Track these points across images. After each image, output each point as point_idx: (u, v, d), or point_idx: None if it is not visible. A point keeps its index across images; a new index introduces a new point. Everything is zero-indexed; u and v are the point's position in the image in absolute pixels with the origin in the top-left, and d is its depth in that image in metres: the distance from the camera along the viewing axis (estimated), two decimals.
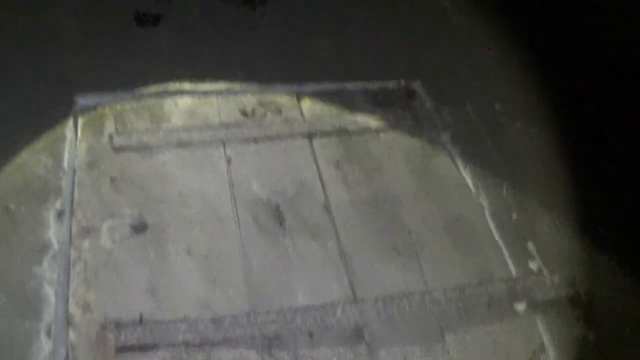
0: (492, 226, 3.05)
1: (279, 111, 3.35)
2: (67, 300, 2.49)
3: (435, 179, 3.20)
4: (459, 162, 3.30)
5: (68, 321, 2.44)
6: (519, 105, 3.60)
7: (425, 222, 3.00)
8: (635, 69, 3.63)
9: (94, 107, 3.21)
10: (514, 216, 3.07)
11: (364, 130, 3.34)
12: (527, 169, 3.29)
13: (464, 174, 3.24)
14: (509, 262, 2.93)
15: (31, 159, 2.92)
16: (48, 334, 2.37)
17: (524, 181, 3.22)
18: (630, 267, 2.92)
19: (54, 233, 2.66)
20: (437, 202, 3.10)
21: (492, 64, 3.84)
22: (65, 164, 2.93)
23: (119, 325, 2.41)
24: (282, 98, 3.41)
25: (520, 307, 2.75)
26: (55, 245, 2.63)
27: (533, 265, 2.90)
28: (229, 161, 3.07)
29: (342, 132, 3.30)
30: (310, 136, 3.25)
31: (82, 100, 3.21)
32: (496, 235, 3.02)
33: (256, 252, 2.75)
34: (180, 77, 3.37)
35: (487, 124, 3.48)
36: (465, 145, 3.36)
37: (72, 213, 2.77)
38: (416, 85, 3.63)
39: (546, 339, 2.67)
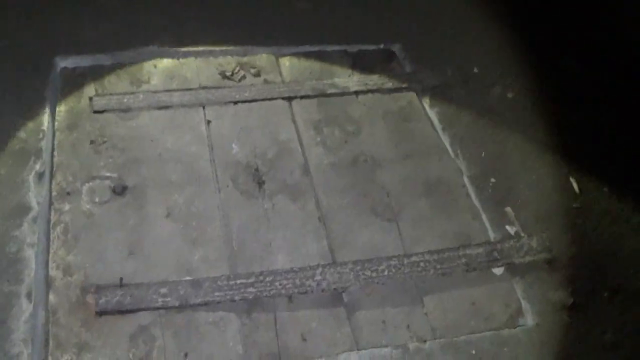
0: (471, 190, 3.08)
1: (258, 73, 3.35)
2: (47, 263, 2.50)
3: (414, 142, 3.22)
4: (438, 126, 3.32)
5: (48, 284, 2.44)
6: (497, 70, 3.59)
7: (404, 185, 3.03)
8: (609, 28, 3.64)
9: (74, 69, 3.19)
10: (492, 180, 3.09)
11: (343, 93, 3.35)
12: (505, 133, 3.30)
13: (442, 138, 3.27)
14: (487, 225, 2.96)
15: (11, 121, 2.89)
16: (28, 297, 2.36)
17: (502, 145, 3.23)
18: (608, 230, 2.94)
19: (34, 195, 2.65)
20: (416, 165, 3.12)
21: (472, 28, 3.82)
22: (45, 126, 2.91)
23: (99, 288, 2.42)
24: (261, 60, 3.41)
25: (499, 270, 2.78)
26: (36, 208, 2.61)
27: (511, 230, 2.92)
28: (208, 123, 3.07)
29: (321, 95, 3.30)
30: (289, 98, 3.26)
31: (62, 63, 3.20)
32: (474, 199, 3.04)
33: (236, 215, 2.77)
34: (160, 39, 3.35)
35: (466, 88, 3.48)
36: (444, 109, 3.37)
37: (52, 175, 2.77)
38: (396, 49, 3.64)
39: (524, 303, 2.71)
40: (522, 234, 2.88)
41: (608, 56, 3.41)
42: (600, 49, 3.46)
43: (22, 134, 2.85)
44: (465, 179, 3.11)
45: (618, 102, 3.18)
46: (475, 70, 3.57)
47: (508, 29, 3.80)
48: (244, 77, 3.30)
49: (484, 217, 2.99)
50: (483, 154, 3.18)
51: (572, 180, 3.02)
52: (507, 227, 2.93)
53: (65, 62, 3.21)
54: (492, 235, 2.92)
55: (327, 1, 3.81)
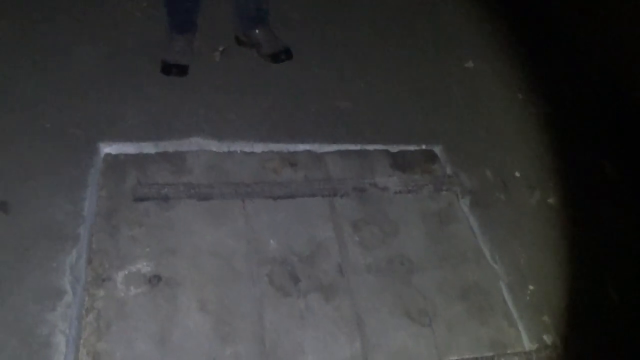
0: (508, 296, 3.03)
1: (299, 169, 3.36)
2: (77, 349, 2.48)
3: (452, 245, 3.20)
4: (477, 229, 3.29)
5: None
6: (538, 175, 3.60)
7: (440, 289, 2.99)
8: None
9: (117, 156, 3.22)
10: (530, 287, 3.05)
11: (383, 193, 3.34)
12: (545, 241, 3.27)
13: (481, 242, 3.24)
14: (523, 334, 2.91)
15: (52, 204, 2.92)
16: None
17: (541, 253, 3.21)
18: None
19: (68, 280, 2.65)
20: (453, 268, 3.09)
21: (514, 132, 3.85)
22: (85, 211, 2.92)
23: None
24: (303, 157, 3.43)
25: None
26: (70, 293, 2.60)
27: (548, 339, 2.88)
28: (247, 217, 3.07)
29: (361, 193, 3.30)
30: (329, 196, 3.26)
31: (105, 149, 3.23)
32: (511, 306, 3.00)
33: (269, 312, 2.74)
34: (203, 130, 3.39)
35: (507, 192, 3.48)
36: (483, 212, 3.35)
37: (88, 261, 2.77)
38: (437, 150, 3.64)
39: None
40: (559, 345, 2.82)
41: None
42: None
43: (61, 217, 2.86)
44: (503, 285, 3.07)
45: None
46: (517, 174, 3.56)
47: (549, 134, 3.83)
48: (284, 172, 3.31)
49: (520, 325, 2.93)
50: (522, 260, 3.15)
51: (611, 290, 2.99)
52: (544, 337, 2.88)
53: (108, 149, 3.25)
54: (527, 344, 2.86)
55: (368, 101, 3.86)
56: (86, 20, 4.07)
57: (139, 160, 3.24)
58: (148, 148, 3.29)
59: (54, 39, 3.83)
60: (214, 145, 3.36)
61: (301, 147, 3.46)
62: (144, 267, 2.78)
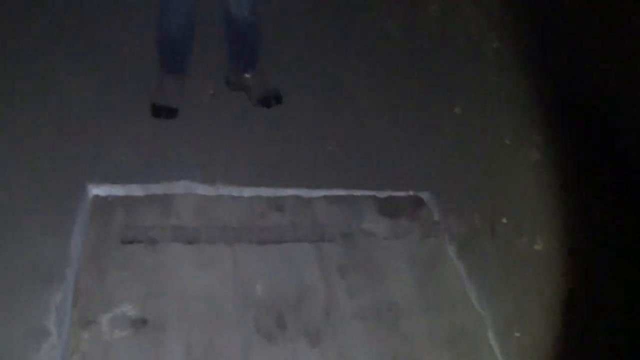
0: (494, 343, 3.02)
1: (286, 214, 3.37)
2: None
3: (439, 290, 3.18)
4: (464, 276, 3.29)
5: None
6: (526, 221, 3.61)
7: (427, 334, 2.97)
8: None
9: (105, 198, 3.24)
10: (517, 334, 3.04)
11: (370, 238, 3.35)
12: (532, 286, 3.28)
13: (468, 288, 3.23)
14: None
15: (38, 243, 2.92)
16: None
17: (528, 299, 3.21)
18: None
19: (54, 321, 2.63)
20: (440, 314, 3.07)
21: (501, 179, 3.86)
22: (72, 251, 2.92)
23: None
24: (291, 202, 3.44)
25: None
26: (55, 334, 2.59)
27: None
28: (234, 262, 3.07)
29: (348, 239, 3.30)
30: (316, 241, 3.26)
31: (94, 190, 3.24)
32: (498, 353, 2.99)
33: (256, 356, 2.72)
34: (192, 174, 3.42)
35: (494, 238, 3.49)
36: (471, 258, 3.35)
37: (74, 302, 2.76)
38: (424, 196, 3.65)
39: None
40: None
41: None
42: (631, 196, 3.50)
43: (48, 258, 2.86)
44: (489, 332, 3.06)
45: None
46: (504, 220, 3.58)
47: (537, 181, 3.85)
48: (272, 217, 3.32)
49: None
50: (509, 307, 3.15)
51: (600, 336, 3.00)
52: None
53: (97, 190, 3.26)
54: None
55: (357, 146, 3.88)
56: (76, 58, 4.10)
57: (127, 202, 3.25)
58: (136, 190, 3.30)
59: (45, 77, 3.87)
60: (202, 189, 3.38)
61: (289, 191, 3.48)
62: (130, 309, 2.77)
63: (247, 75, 4.01)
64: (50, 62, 4.04)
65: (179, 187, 3.36)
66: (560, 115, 4.39)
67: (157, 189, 3.33)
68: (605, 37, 4.45)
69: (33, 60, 4.02)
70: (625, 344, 3.07)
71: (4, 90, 3.70)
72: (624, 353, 3.02)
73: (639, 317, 3.16)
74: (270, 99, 4.03)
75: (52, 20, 4.41)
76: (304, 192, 3.51)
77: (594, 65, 4.50)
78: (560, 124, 4.33)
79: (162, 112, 3.78)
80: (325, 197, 3.52)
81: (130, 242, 3.04)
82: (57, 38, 4.26)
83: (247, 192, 3.44)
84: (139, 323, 2.72)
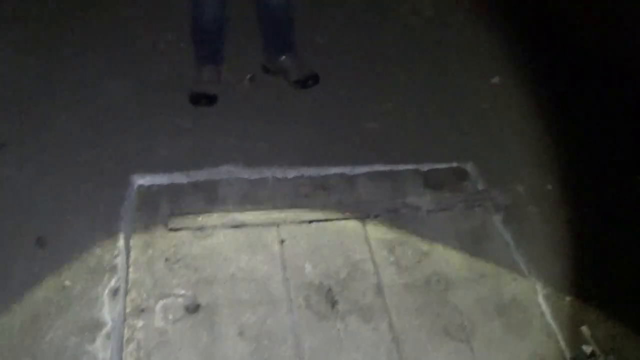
0: (546, 309, 3.00)
1: (331, 193, 3.38)
2: None
3: (487, 261, 3.17)
4: (512, 244, 3.27)
5: None
6: (571, 187, 3.57)
7: (478, 305, 2.97)
8: None
9: (150, 187, 3.27)
10: (567, 299, 3.02)
11: (416, 212, 3.34)
12: (579, 252, 3.25)
13: (516, 256, 3.21)
14: (563, 345, 2.87)
15: (88, 237, 2.96)
16: None
17: (578, 262, 3.18)
18: None
19: (107, 311, 2.67)
20: (489, 284, 3.06)
21: (545, 145, 3.82)
22: (121, 242, 2.96)
23: None
24: (334, 180, 3.45)
25: None
26: (109, 324, 2.63)
27: (587, 349, 2.85)
28: (282, 243, 3.09)
29: (394, 214, 3.30)
30: (362, 218, 3.26)
31: (138, 180, 3.28)
32: (549, 318, 2.96)
33: (308, 335, 2.74)
34: (234, 159, 3.44)
35: (539, 206, 3.46)
36: (517, 227, 3.33)
37: (126, 292, 2.80)
38: (468, 167, 3.63)
39: None
40: (599, 353, 2.79)
41: None
42: None
43: (97, 250, 2.91)
44: (540, 298, 3.03)
45: None
46: (549, 187, 3.54)
47: (581, 147, 3.80)
48: (317, 197, 3.33)
49: (559, 336, 2.89)
50: (557, 273, 3.12)
51: None
52: (583, 347, 2.85)
53: (141, 180, 3.29)
54: (567, 355, 2.83)
55: (396, 121, 3.87)
56: (114, 55, 4.15)
57: (172, 190, 3.28)
58: (180, 178, 3.33)
59: (84, 75, 3.92)
60: (245, 173, 3.39)
61: (332, 170, 3.48)
62: (182, 296, 2.80)
63: (283, 59, 4.02)
64: (89, 60, 4.10)
65: (222, 173, 3.38)
66: (605, 83, 4.33)
67: (200, 175, 3.35)
68: None
69: (74, 59, 4.08)
70: None
71: (48, 91, 3.77)
72: None
73: None
74: (308, 80, 4.04)
75: (86, 24, 4.48)
76: (347, 170, 3.50)
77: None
78: (605, 93, 4.28)
79: (201, 99, 3.81)
80: (368, 173, 3.51)
81: (178, 230, 3.07)
82: (95, 39, 4.31)
83: (291, 173, 3.45)
84: (192, 308, 2.75)
